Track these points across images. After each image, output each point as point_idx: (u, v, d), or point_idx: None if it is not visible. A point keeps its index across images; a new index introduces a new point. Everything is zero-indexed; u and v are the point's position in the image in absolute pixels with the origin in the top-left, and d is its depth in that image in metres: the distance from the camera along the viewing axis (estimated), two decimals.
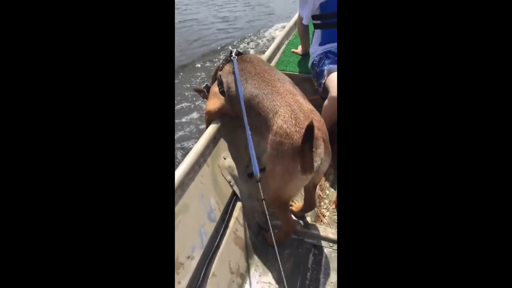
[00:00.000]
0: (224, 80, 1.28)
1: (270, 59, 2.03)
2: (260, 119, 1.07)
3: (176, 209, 1.00)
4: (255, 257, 1.23)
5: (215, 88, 1.33)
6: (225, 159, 1.30)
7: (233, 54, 1.29)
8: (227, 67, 1.29)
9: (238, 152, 1.40)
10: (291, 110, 0.99)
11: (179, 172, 1.05)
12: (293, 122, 0.96)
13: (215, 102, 1.31)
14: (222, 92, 1.29)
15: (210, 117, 1.34)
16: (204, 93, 1.59)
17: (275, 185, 1.04)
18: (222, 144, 1.34)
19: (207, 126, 1.36)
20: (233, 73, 1.22)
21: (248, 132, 1.02)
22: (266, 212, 0.90)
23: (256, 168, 0.91)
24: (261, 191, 0.90)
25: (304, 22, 1.76)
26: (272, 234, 0.86)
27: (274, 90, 1.08)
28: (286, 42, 2.43)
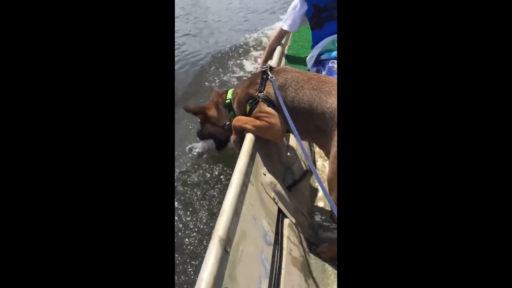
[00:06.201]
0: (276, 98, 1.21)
1: None
2: (326, 117, 1.07)
3: (236, 237, 0.90)
4: (313, 275, 1.14)
5: (266, 108, 1.21)
6: (265, 175, 1.22)
7: (268, 71, 1.21)
8: (270, 85, 1.21)
9: (274, 166, 1.32)
10: None
11: (230, 197, 0.95)
12: None
13: (279, 120, 1.19)
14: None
15: (279, 137, 1.26)
16: (203, 115, 1.49)
17: None
18: (259, 159, 1.25)
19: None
20: (285, 85, 1.17)
21: (298, 137, 1.01)
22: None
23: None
24: None
25: (283, 27, 2.14)
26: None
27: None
28: (286, 48, 2.40)
